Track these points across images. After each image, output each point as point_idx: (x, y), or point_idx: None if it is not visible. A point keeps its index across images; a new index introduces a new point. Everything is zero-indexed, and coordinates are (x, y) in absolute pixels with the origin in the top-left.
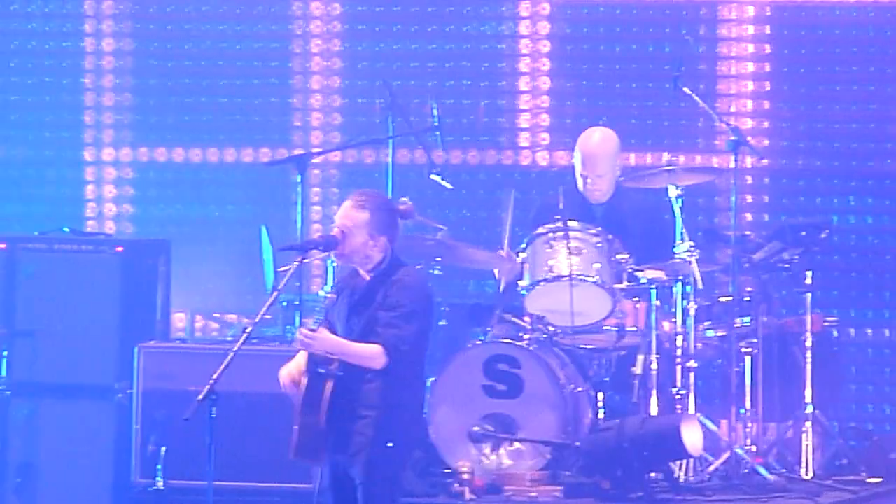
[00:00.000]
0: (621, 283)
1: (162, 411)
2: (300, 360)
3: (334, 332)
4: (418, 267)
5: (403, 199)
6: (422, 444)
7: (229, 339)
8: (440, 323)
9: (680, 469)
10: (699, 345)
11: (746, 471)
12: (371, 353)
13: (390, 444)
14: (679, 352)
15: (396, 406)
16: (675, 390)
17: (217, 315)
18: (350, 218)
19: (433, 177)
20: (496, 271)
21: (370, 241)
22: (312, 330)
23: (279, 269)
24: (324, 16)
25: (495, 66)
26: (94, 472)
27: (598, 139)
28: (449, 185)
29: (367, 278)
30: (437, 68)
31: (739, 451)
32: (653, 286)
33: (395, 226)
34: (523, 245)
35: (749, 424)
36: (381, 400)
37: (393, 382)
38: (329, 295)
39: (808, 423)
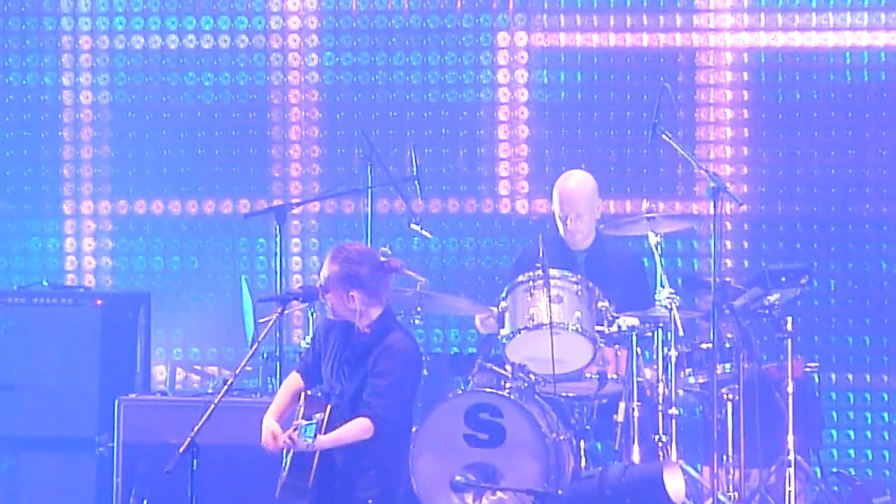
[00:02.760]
0: (602, 330)
1: (143, 464)
2: (271, 421)
3: (318, 372)
4: (406, 319)
5: (383, 248)
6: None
7: (210, 391)
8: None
9: None
10: (681, 392)
11: None
12: (361, 430)
13: (371, 502)
14: (661, 399)
15: (384, 468)
16: (657, 437)
17: (198, 367)
18: (325, 271)
19: (413, 226)
20: (477, 321)
21: (344, 296)
22: (306, 439)
23: (259, 321)
24: (301, 66)
25: (474, 115)
26: None
27: (576, 179)
28: (428, 235)
29: (364, 331)
30: (415, 118)
31: (722, 498)
32: (634, 333)
33: (375, 280)
34: (503, 294)
35: (731, 471)
36: (369, 463)
37: (380, 448)
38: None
39: (791, 469)
